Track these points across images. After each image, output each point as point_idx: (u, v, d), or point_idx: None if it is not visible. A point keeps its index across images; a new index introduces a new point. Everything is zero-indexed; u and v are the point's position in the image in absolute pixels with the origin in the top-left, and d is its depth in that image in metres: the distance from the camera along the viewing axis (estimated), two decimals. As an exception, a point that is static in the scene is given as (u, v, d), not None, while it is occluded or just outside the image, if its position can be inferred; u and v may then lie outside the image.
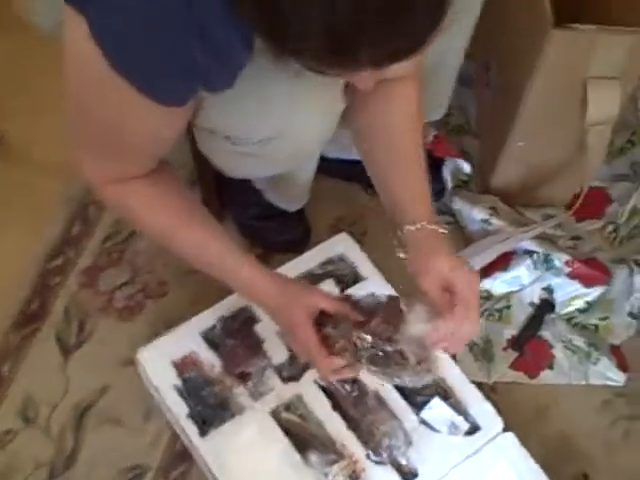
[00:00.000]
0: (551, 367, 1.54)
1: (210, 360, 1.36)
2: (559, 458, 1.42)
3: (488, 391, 1.45)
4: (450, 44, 1.39)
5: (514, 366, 1.53)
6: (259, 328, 1.39)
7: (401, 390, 1.36)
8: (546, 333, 1.55)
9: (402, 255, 1.17)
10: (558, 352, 1.54)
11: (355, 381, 1.36)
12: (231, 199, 1.62)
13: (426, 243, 1.15)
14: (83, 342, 1.52)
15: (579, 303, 1.58)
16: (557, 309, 1.58)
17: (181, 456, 1.41)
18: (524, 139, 1.54)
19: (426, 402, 1.36)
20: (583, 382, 1.53)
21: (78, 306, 1.56)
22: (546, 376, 1.54)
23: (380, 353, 1.14)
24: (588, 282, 1.57)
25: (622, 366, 1.54)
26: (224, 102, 1.03)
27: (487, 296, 1.58)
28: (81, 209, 1.69)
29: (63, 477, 1.39)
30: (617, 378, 1.53)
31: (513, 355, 1.54)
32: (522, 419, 1.41)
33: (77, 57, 0.95)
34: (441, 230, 1.16)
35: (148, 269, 1.61)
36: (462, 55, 1.46)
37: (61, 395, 1.46)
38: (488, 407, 1.37)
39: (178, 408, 1.31)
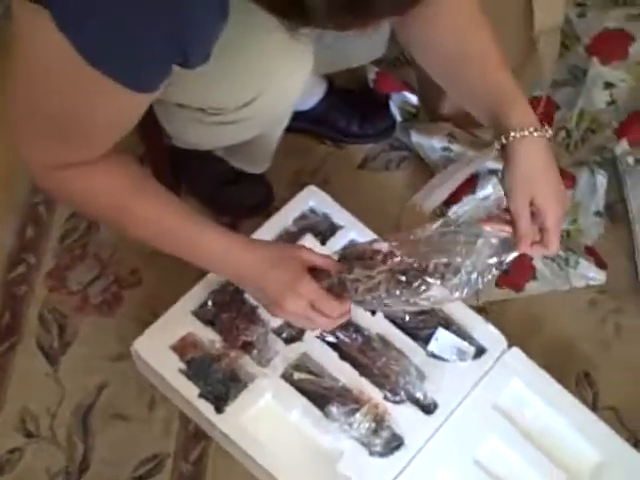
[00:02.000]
0: (534, 278, 1.56)
1: (209, 337, 1.33)
2: (559, 363, 1.44)
3: (479, 313, 1.45)
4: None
5: (499, 284, 1.54)
6: (249, 296, 1.36)
7: (404, 328, 1.36)
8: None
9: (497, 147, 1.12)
10: (538, 262, 1.56)
11: (357, 328, 1.36)
12: (188, 171, 1.58)
13: (532, 156, 1.10)
14: (68, 345, 1.46)
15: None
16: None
17: (196, 437, 1.38)
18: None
19: (430, 335, 1.36)
20: (567, 287, 1.56)
21: (53, 311, 1.50)
22: (531, 287, 1.56)
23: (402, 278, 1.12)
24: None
25: (600, 264, 1.57)
26: (198, 74, 0.98)
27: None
28: (30, 211, 1.62)
29: (82, 481, 1.35)
30: (598, 277, 1.56)
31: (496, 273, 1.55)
32: (516, 333, 1.42)
33: (37, 47, 0.89)
34: (547, 135, 1.11)
35: (115, 259, 1.56)
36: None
37: (58, 401, 1.41)
38: (490, 328, 1.39)
39: (188, 391, 1.28)
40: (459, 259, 1.11)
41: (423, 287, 1.11)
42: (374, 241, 1.17)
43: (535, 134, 1.09)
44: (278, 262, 1.14)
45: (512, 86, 1.13)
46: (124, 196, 1.08)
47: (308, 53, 1.20)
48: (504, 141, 1.10)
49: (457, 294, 1.13)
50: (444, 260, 1.12)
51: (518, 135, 1.09)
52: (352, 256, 1.18)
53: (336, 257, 1.19)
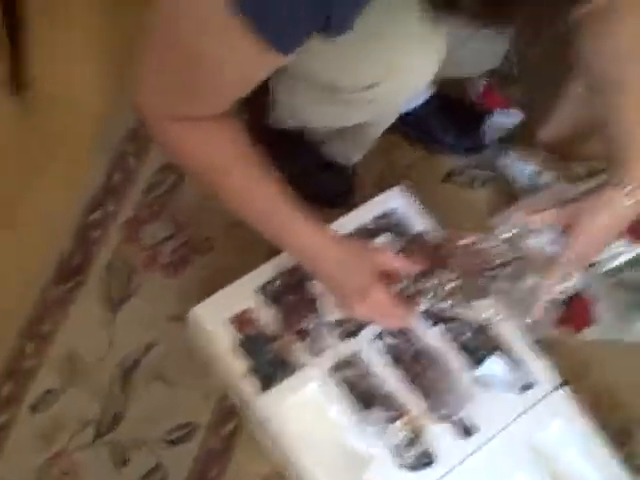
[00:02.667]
0: (595, 323, 1.54)
1: (268, 316, 1.34)
2: (603, 415, 1.42)
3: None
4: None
5: (558, 321, 1.53)
6: (312, 285, 1.37)
7: (459, 345, 1.36)
8: (590, 289, 1.55)
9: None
10: (602, 308, 1.54)
11: (414, 336, 1.36)
12: (278, 151, 1.59)
13: (615, 209, 1.16)
14: (129, 297, 1.49)
15: (622, 259, 1.57)
16: (602, 265, 1.57)
17: (231, 414, 1.41)
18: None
19: (483, 358, 1.36)
20: (625, 339, 1.54)
21: (122, 260, 1.53)
22: (590, 332, 1.54)
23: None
24: (634, 238, 1.56)
25: (665, 324, 1.55)
26: (333, 45, 0.96)
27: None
28: (120, 159, 1.65)
29: (110, 435, 1.37)
30: (659, 337, 1.54)
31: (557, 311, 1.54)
32: (564, 374, 1.41)
33: None
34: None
35: (192, 223, 1.58)
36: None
37: (106, 351, 1.44)
38: (544, 363, 1.37)
39: (237, 365, 1.30)
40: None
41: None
42: (446, 238, 1.18)
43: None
44: (355, 264, 1.17)
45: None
46: (229, 160, 1.11)
47: (442, 47, 1.20)
48: (628, 189, 1.14)
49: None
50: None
51: (624, 190, 1.14)
52: (423, 249, 1.19)
53: (404, 242, 1.20)
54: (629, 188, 1.13)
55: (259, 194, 1.14)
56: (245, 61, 0.94)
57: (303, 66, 1.14)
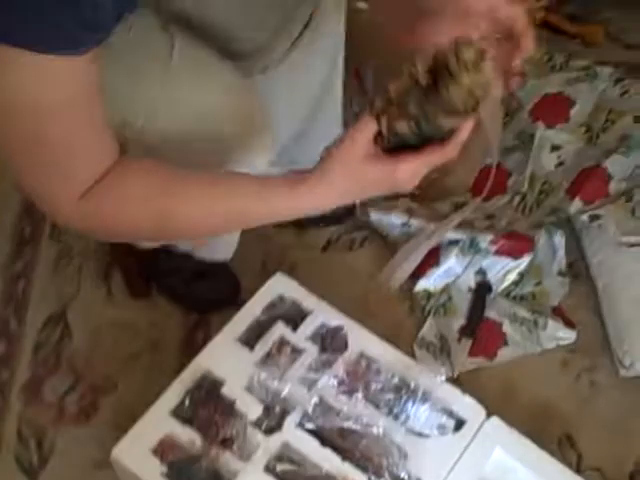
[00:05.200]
0: (505, 344, 1.58)
1: (188, 437, 1.32)
2: (539, 428, 1.45)
3: (455, 384, 1.46)
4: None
5: (472, 353, 1.56)
6: (225, 390, 1.36)
7: (382, 408, 1.37)
8: (492, 313, 1.59)
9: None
10: (507, 328, 1.58)
11: (337, 413, 1.36)
12: (157, 271, 1.60)
13: None
14: (47, 459, 1.45)
15: (512, 276, 1.63)
16: (494, 287, 1.62)
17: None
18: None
19: (409, 412, 1.36)
20: (538, 349, 1.58)
21: (30, 424, 1.49)
22: (503, 354, 1.58)
23: None
24: (515, 254, 1.62)
25: (568, 323, 1.60)
26: None
27: (427, 295, 1.61)
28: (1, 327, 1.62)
29: None
30: (568, 336, 1.59)
31: (468, 343, 1.57)
32: (493, 401, 1.42)
33: None
34: None
35: (90, 366, 1.56)
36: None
37: (40, 518, 1.40)
38: (467, 399, 1.38)
39: (172, 495, 1.27)
40: None
41: None
42: None
43: None
44: (343, 174, 1.03)
45: None
46: (164, 191, 1.02)
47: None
48: None
49: None
50: None
51: None
52: None
53: None
54: None
55: (224, 195, 1.05)
56: (53, 85, 0.88)
57: None
